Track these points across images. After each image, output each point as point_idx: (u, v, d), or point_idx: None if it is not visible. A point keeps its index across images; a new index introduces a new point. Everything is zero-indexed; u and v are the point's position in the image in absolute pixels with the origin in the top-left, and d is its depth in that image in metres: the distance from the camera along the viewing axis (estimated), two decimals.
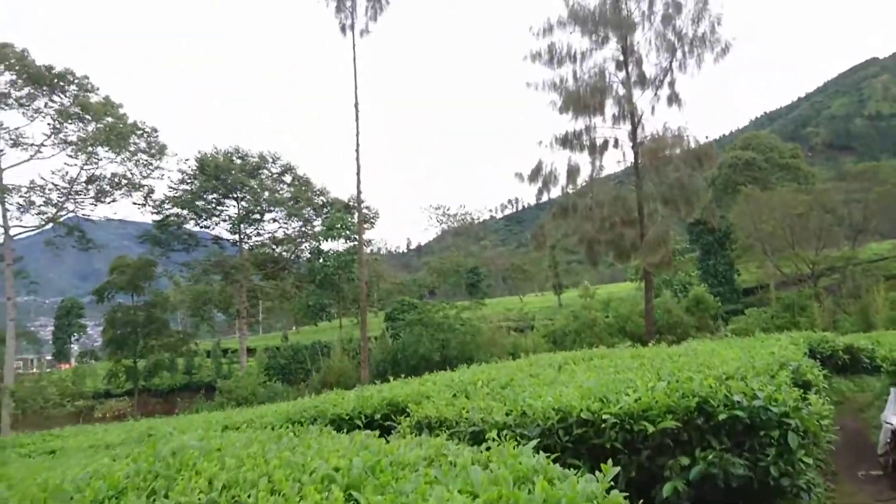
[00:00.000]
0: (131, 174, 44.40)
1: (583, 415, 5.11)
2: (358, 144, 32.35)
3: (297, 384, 40.47)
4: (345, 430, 6.51)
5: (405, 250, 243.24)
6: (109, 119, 41.07)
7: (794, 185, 55.86)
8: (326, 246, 49.97)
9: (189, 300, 49.07)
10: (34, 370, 75.90)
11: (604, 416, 4.99)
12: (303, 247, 51.71)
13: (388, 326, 45.69)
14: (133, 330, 48.83)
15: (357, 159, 32.21)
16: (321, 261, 48.42)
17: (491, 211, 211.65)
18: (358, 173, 32.24)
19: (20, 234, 41.47)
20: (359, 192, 33.15)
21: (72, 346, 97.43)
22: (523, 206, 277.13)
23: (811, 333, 14.24)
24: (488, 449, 3.86)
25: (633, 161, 29.11)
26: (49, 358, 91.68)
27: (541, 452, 3.37)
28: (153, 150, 43.63)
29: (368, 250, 63.21)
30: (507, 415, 5.57)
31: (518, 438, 5.20)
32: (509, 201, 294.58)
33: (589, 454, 5.11)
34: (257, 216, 49.05)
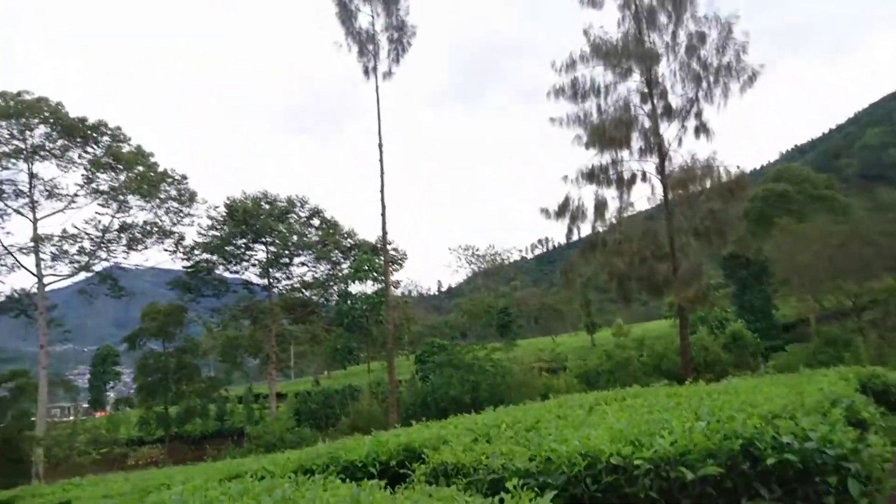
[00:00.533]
0: (162, 221, 45.05)
1: (613, 460, 4.59)
2: (382, 185, 32.39)
3: (326, 429, 39.91)
4: (355, 479, 6.07)
5: (436, 292, 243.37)
6: (140, 168, 41.90)
7: (830, 216, 54.40)
8: (355, 289, 49.81)
9: (219, 346, 49.11)
10: (70, 418, 76.75)
11: (636, 462, 4.47)
12: (332, 290, 51.64)
13: (418, 369, 45.07)
14: (164, 376, 48.94)
15: (382, 199, 32.21)
16: (349, 303, 48.14)
17: (521, 251, 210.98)
18: (383, 214, 32.20)
19: (54, 282, 42.15)
20: (384, 232, 33.05)
21: (108, 393, 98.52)
22: (554, 246, 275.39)
23: (860, 368, 13.38)
24: (502, 501, 3.40)
25: (661, 194, 28.52)
26: (86, 405, 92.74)
27: None
28: (183, 198, 44.32)
29: (399, 292, 62.99)
30: (530, 461, 5.07)
31: (540, 488, 4.70)
32: (539, 241, 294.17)
33: None
34: (286, 260, 49.16)
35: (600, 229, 29.33)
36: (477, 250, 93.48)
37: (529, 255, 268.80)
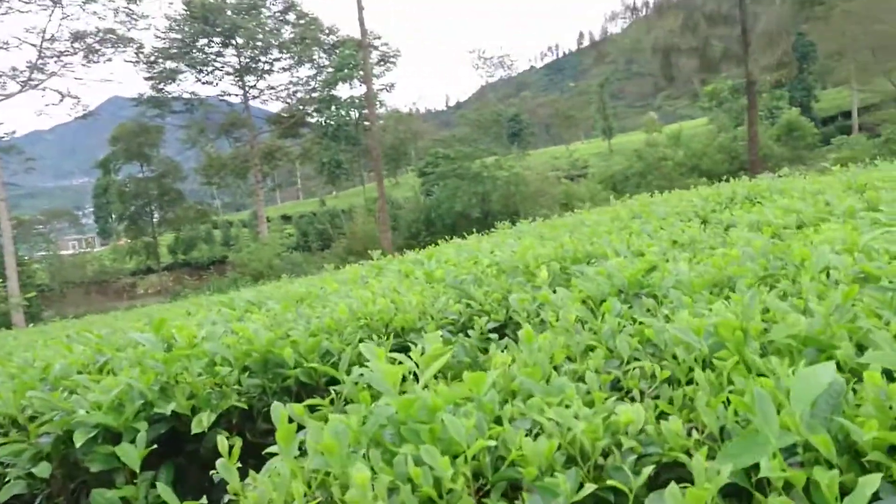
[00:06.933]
0: (115, 28, 38.57)
1: None
2: None
3: (318, 252, 36.42)
4: None
5: (445, 107, 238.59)
6: None
7: None
8: (345, 93, 42.91)
9: (202, 167, 44.30)
10: (88, 250, 76.25)
11: None
12: (317, 97, 45.11)
13: (423, 182, 40.60)
14: (147, 203, 44.83)
15: None
16: (332, 109, 41.68)
17: (531, 60, 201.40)
18: None
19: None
20: (360, 7, 26.02)
21: (115, 224, 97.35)
22: (564, 53, 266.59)
23: None
24: None
25: None
26: (96, 238, 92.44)
27: None
28: None
29: (405, 108, 56.66)
30: None
31: None
32: (549, 49, 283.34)
33: None
34: (264, 66, 42.70)
35: None
36: (483, 52, 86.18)
37: (538, 64, 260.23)
